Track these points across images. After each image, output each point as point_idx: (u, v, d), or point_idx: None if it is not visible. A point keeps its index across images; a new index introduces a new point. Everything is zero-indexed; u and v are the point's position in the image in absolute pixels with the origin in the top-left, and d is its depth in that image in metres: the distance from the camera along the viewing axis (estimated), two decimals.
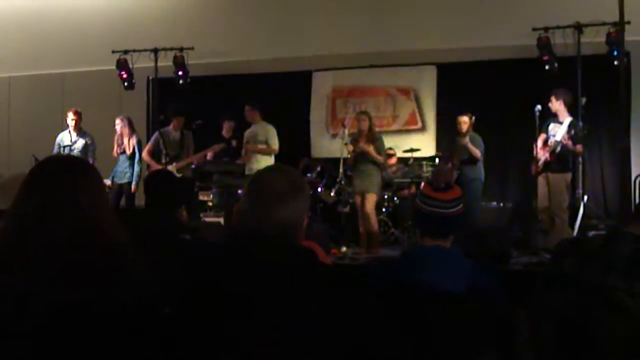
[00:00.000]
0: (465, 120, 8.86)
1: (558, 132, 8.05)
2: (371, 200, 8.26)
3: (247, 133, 9.30)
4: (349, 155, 8.55)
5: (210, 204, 9.93)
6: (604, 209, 9.66)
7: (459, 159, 8.90)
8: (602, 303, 2.45)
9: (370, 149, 8.20)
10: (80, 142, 9.45)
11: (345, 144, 8.76)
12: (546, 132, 8.18)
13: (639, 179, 8.77)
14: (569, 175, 8.19)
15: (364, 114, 8.52)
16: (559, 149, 7.98)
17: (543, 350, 2.60)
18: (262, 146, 9.08)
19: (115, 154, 9.46)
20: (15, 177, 2.84)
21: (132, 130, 9.51)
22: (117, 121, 9.47)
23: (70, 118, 9.44)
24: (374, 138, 8.34)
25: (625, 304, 2.42)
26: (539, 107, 8.12)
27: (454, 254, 2.75)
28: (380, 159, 8.27)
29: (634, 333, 2.39)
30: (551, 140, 8.09)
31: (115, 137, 9.51)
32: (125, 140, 9.42)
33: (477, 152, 8.64)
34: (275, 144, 9.13)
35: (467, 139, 8.65)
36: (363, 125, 8.34)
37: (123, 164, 9.44)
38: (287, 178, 2.03)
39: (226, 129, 10.06)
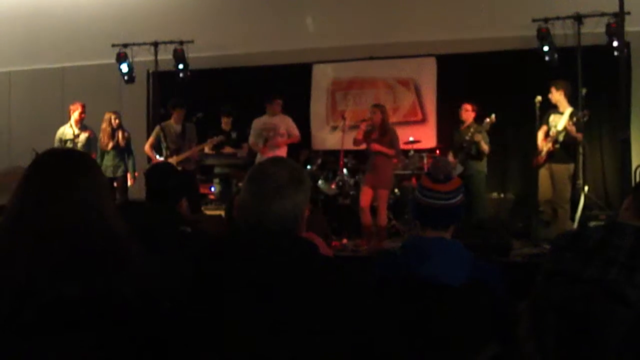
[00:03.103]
0: (467, 108, 8.81)
1: (560, 122, 8.06)
2: (384, 196, 8.24)
3: (262, 125, 9.20)
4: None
5: (211, 197, 9.94)
6: (604, 199, 9.66)
7: (466, 153, 8.74)
8: (603, 295, 2.45)
9: (379, 146, 8.14)
10: (83, 136, 9.44)
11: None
12: (547, 123, 8.19)
13: None
14: (572, 166, 8.19)
15: (377, 107, 8.38)
16: (561, 138, 7.98)
17: (544, 342, 2.60)
18: (284, 138, 9.11)
19: (108, 148, 9.46)
20: (11, 171, 2.83)
21: (121, 124, 9.58)
22: (113, 116, 9.46)
23: (79, 111, 9.42)
24: (387, 130, 8.28)
25: (626, 295, 2.42)
26: (539, 98, 8.12)
27: (454, 246, 2.75)
28: (390, 152, 8.21)
29: (635, 324, 2.39)
30: (553, 131, 8.09)
31: (107, 132, 9.48)
32: (120, 134, 9.43)
33: (485, 148, 8.55)
34: (298, 132, 9.31)
35: (479, 135, 8.50)
36: (376, 119, 8.26)
37: (115, 158, 9.46)
38: (288, 170, 2.03)
39: (225, 122, 10.09)
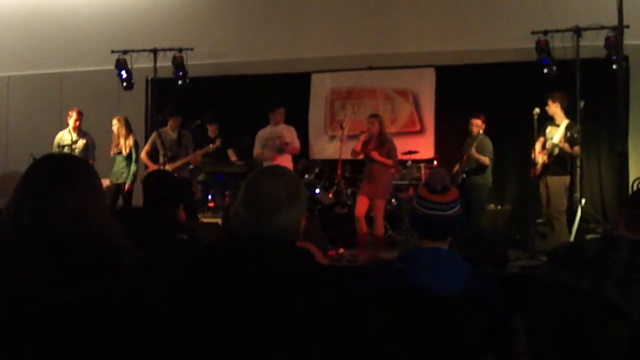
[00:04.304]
0: (477, 124, 8.81)
1: (555, 134, 8.07)
2: (380, 206, 8.22)
3: (267, 135, 9.09)
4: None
5: (210, 204, 9.91)
6: (601, 212, 9.67)
7: (466, 165, 8.83)
8: (599, 308, 2.45)
9: (378, 155, 8.13)
10: (81, 142, 9.46)
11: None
12: (544, 135, 8.20)
13: (637, 183, 8.78)
14: (567, 179, 8.21)
15: (374, 117, 8.37)
16: (556, 151, 8.00)
17: (541, 354, 2.60)
18: (291, 146, 9.06)
19: (112, 154, 9.50)
20: (9, 176, 2.83)
21: (129, 130, 9.54)
22: (114, 122, 9.50)
23: (74, 118, 9.44)
24: (385, 141, 8.26)
25: (622, 309, 2.42)
26: (537, 110, 8.13)
27: (451, 257, 2.74)
28: (388, 162, 8.19)
29: (631, 338, 2.39)
30: (549, 143, 8.10)
31: (113, 137, 9.54)
32: (122, 141, 9.44)
33: (484, 160, 8.64)
34: (298, 144, 9.22)
35: (473, 150, 8.59)
36: (373, 129, 8.24)
37: (120, 164, 9.49)
38: (285, 184, 2.02)
39: (211, 130, 10.07)
